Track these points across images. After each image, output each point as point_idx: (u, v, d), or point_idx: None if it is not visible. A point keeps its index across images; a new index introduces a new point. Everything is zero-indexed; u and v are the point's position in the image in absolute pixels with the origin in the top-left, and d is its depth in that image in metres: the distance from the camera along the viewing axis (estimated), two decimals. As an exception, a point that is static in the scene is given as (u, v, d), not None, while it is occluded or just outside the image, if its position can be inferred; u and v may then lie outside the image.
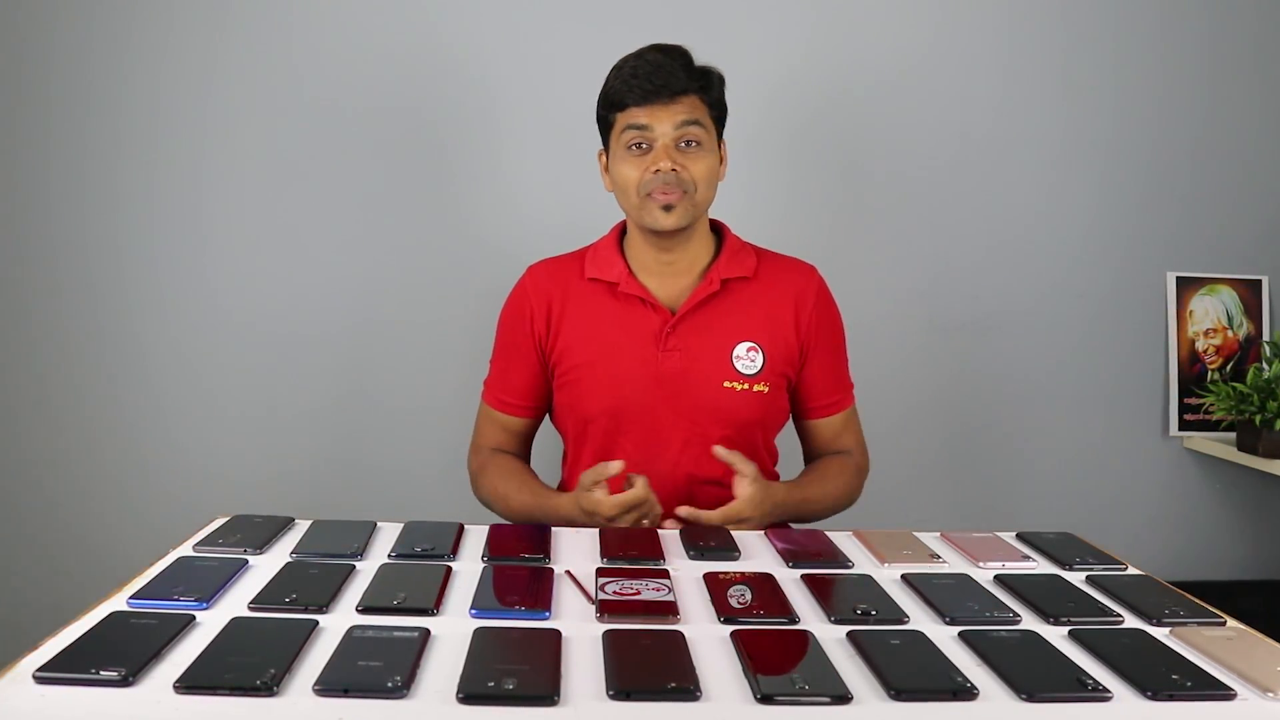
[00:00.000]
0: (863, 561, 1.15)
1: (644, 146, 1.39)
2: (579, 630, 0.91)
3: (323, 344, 2.12)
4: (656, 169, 1.36)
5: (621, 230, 1.52)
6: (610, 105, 1.42)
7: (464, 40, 2.09)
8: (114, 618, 0.88)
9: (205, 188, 2.08)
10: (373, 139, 2.09)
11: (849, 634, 0.91)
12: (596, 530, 1.21)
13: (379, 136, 2.10)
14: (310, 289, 2.11)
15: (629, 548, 1.14)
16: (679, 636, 0.88)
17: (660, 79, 1.36)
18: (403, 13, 2.08)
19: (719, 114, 1.45)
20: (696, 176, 1.38)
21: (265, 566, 1.04)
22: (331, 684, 0.77)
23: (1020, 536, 1.26)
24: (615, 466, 1.26)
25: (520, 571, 1.05)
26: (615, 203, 1.48)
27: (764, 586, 1.03)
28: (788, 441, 1.58)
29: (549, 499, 1.39)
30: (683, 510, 1.32)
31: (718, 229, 1.53)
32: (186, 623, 0.88)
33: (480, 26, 2.09)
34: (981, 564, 1.14)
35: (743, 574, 1.07)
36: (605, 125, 1.45)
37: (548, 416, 1.57)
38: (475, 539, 1.16)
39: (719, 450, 1.33)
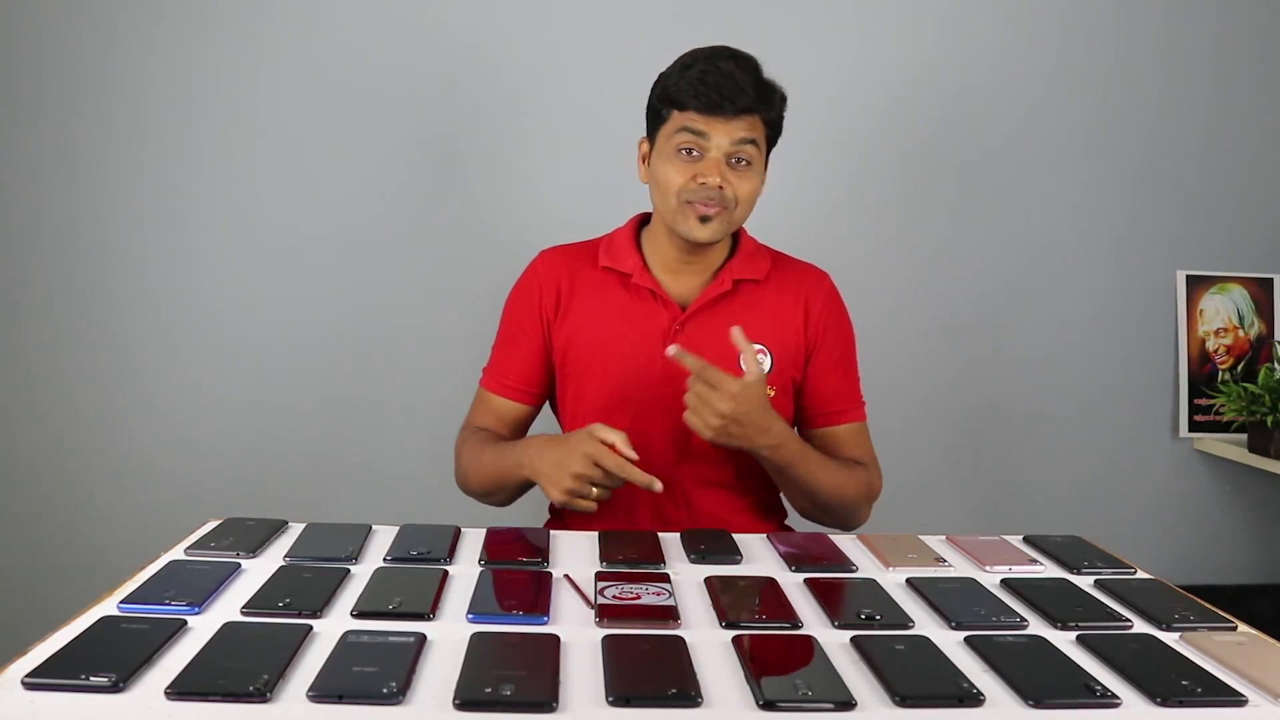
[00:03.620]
0: (867, 565, 1.14)
1: (695, 154, 1.34)
2: (578, 635, 0.90)
3: (319, 344, 2.11)
4: (704, 181, 1.33)
5: (639, 222, 1.51)
6: (668, 100, 1.37)
7: (465, 33, 2.08)
8: (104, 622, 0.88)
9: (199, 182, 2.07)
10: (369, 134, 2.09)
11: (853, 639, 0.90)
12: (596, 534, 1.19)
13: (375, 132, 2.09)
14: (306, 288, 2.11)
15: (629, 551, 1.12)
16: (679, 641, 0.87)
17: (729, 93, 1.31)
18: (407, 6, 2.07)
19: (774, 134, 1.42)
20: (740, 195, 1.35)
21: (258, 570, 1.03)
22: (326, 690, 0.76)
23: (1027, 540, 1.25)
24: (627, 452, 1.24)
25: (518, 575, 1.04)
26: (625, 199, 1.46)
27: (767, 590, 1.02)
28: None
29: (519, 442, 1.35)
30: (672, 349, 1.24)
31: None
32: (178, 627, 0.87)
33: (493, 16, 2.08)
34: (988, 568, 1.13)
35: (745, 578, 1.06)
36: (657, 117, 1.40)
37: (548, 410, 1.55)
38: (472, 542, 1.15)
39: (736, 333, 1.25)
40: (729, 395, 1.22)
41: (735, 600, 0.99)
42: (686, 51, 1.39)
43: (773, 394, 1.42)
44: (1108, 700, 0.80)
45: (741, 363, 1.28)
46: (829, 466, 1.40)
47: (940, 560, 1.14)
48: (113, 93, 2.04)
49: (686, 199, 1.35)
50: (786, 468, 1.33)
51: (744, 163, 1.35)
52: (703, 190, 1.33)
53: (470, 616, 0.93)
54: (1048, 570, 1.14)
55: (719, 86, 1.31)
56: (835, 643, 0.90)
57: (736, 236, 1.50)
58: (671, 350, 1.24)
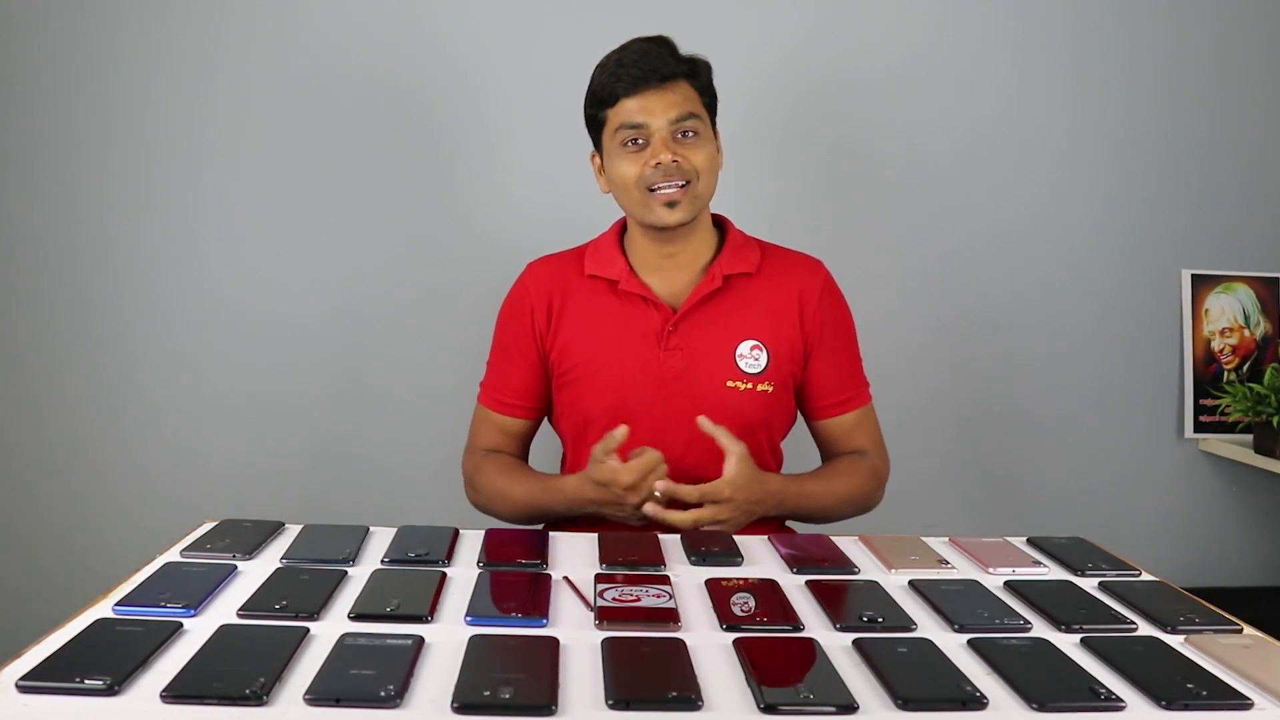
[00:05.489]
0: (869, 567, 1.13)
1: (640, 142, 1.37)
2: (577, 638, 0.89)
3: (314, 344, 2.10)
4: (657, 162, 1.35)
5: (622, 227, 1.51)
6: (599, 103, 1.40)
7: (455, 34, 2.07)
8: (99, 625, 0.87)
9: (192, 186, 2.06)
10: (364, 135, 2.08)
11: (855, 642, 0.89)
12: (595, 535, 1.19)
13: (370, 132, 2.08)
14: (300, 288, 2.09)
15: (629, 553, 1.12)
16: (680, 644, 0.87)
17: (648, 64, 1.35)
18: (393, 7, 2.06)
19: (710, 101, 1.43)
20: (698, 165, 1.37)
21: (255, 572, 1.02)
22: (323, 693, 0.76)
23: (1031, 541, 1.24)
24: (621, 432, 1.25)
25: (517, 577, 1.04)
26: (614, 201, 1.46)
27: (768, 593, 1.01)
28: (799, 445, 1.56)
29: (554, 481, 1.38)
30: (660, 484, 1.27)
31: (720, 223, 1.52)
32: (174, 630, 0.86)
33: (471, 20, 2.07)
34: (991, 570, 1.12)
35: (746, 580, 1.05)
36: (596, 125, 1.43)
37: (546, 420, 1.55)
38: (470, 544, 1.15)
39: (703, 421, 1.29)
40: (725, 504, 1.28)
41: (736, 602, 0.98)
42: None
43: (770, 390, 1.42)
44: (1112, 703, 0.79)
45: (725, 451, 1.30)
46: (831, 486, 1.43)
47: (943, 562, 1.13)
48: (105, 102, 2.03)
49: (647, 186, 1.36)
50: (794, 511, 1.39)
51: (690, 134, 1.37)
52: (659, 171, 1.35)
53: (469, 619, 0.92)
54: (1051, 572, 1.13)
55: (637, 63, 1.35)
56: (837, 645, 0.89)
57: (723, 230, 1.50)
58: (705, 424, 1.29)
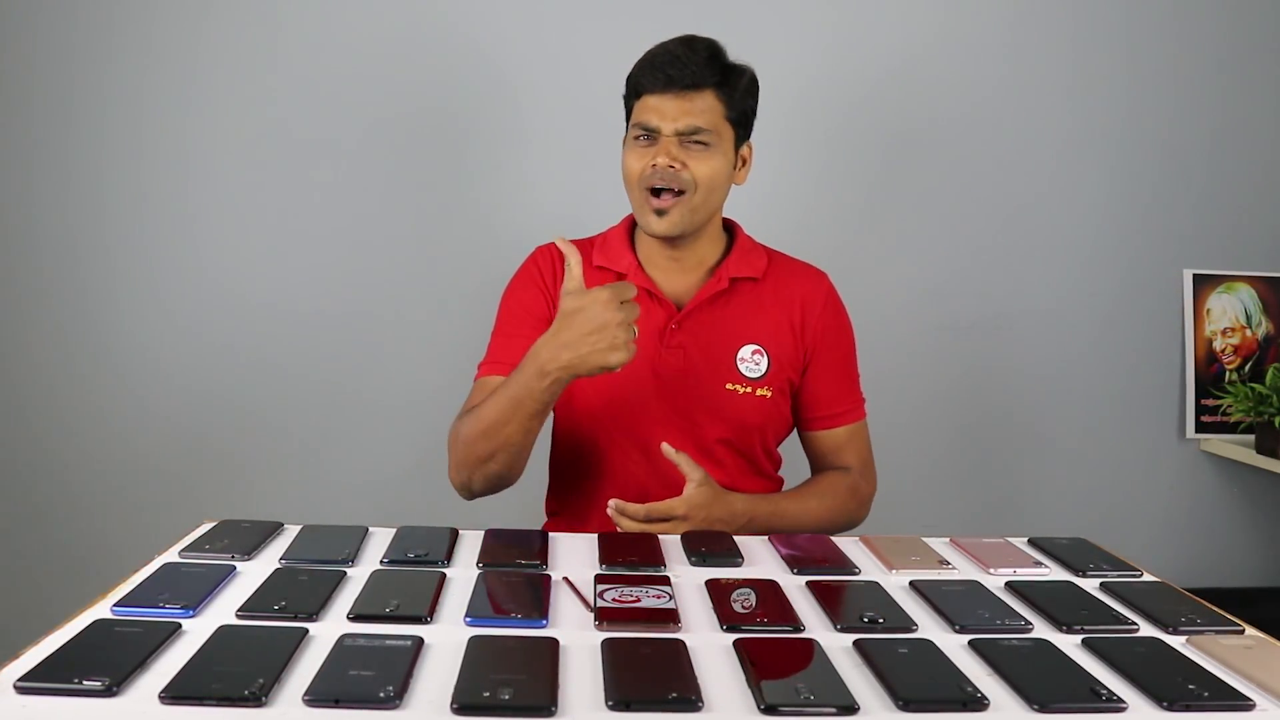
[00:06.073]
0: (870, 568, 1.13)
1: (650, 139, 1.36)
2: (577, 639, 0.89)
3: (315, 343, 2.11)
4: (655, 163, 1.34)
5: (632, 222, 1.50)
6: (630, 91, 1.41)
7: (468, 24, 2.08)
8: (97, 625, 0.87)
9: (191, 184, 2.07)
10: (366, 129, 2.08)
11: (855, 642, 0.89)
12: (595, 536, 1.19)
13: (372, 127, 2.08)
14: (302, 287, 2.10)
15: (629, 554, 1.11)
16: (680, 645, 0.86)
17: (675, 69, 1.33)
18: (407, -1, 2.07)
19: (739, 115, 1.40)
20: (697, 176, 1.35)
21: (253, 573, 1.02)
22: (322, 694, 0.76)
23: (1032, 542, 1.23)
24: (574, 254, 1.22)
25: (516, 578, 1.03)
26: (623, 196, 1.46)
27: (768, 593, 1.01)
28: (795, 450, 1.56)
29: (518, 367, 1.26)
30: (612, 503, 1.27)
31: (730, 227, 1.51)
32: (172, 631, 0.86)
33: (488, 11, 2.07)
34: (992, 570, 1.12)
35: (746, 580, 1.05)
36: (628, 110, 1.43)
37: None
38: (470, 545, 1.14)
39: (666, 448, 1.28)
40: (681, 521, 1.27)
41: (736, 603, 0.98)
42: None
43: (769, 395, 1.41)
44: (1113, 704, 0.79)
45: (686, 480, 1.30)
46: (807, 505, 1.41)
47: (944, 563, 1.13)
48: (108, 88, 2.03)
49: (645, 186, 1.36)
50: (765, 530, 1.34)
51: (700, 144, 1.35)
52: (655, 173, 1.34)
53: (468, 620, 0.92)
54: (1053, 573, 1.13)
55: (667, 65, 1.34)
56: (837, 646, 0.89)
57: (732, 233, 1.50)
58: (668, 451, 1.29)
